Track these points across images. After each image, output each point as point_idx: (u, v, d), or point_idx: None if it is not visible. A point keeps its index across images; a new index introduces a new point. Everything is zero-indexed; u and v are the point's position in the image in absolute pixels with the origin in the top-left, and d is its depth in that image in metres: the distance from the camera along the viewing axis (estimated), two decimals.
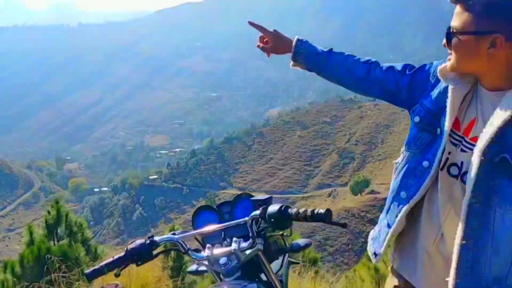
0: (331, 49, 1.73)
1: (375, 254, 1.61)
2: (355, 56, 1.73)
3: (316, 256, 5.76)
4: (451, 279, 1.33)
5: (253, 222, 1.43)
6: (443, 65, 1.44)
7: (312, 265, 3.87)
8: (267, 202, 1.50)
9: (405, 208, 1.48)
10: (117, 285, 3.32)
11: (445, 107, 1.42)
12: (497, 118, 1.27)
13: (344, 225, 1.42)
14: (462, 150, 1.38)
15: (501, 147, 1.27)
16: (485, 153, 1.27)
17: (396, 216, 1.51)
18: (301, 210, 1.36)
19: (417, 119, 1.51)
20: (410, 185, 1.48)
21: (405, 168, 1.52)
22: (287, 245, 1.74)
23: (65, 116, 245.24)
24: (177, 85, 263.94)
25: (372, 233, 1.70)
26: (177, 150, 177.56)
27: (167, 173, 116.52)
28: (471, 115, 1.39)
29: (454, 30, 1.33)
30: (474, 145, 1.33)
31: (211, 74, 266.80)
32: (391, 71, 1.63)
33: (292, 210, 1.37)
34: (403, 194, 1.50)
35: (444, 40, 1.35)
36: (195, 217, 1.68)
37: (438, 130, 1.43)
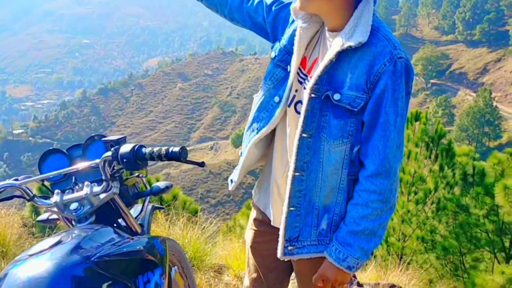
0: None
1: (231, 181, 1.68)
2: None
3: (196, 207, 5.80)
4: (285, 207, 1.43)
5: (106, 164, 1.35)
6: (294, 3, 1.48)
7: (186, 212, 3.88)
8: (120, 142, 1.43)
9: (254, 138, 1.53)
10: None
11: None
12: (326, 58, 1.35)
13: (201, 164, 1.38)
14: (305, 88, 1.44)
15: (330, 83, 1.35)
16: (313, 90, 1.36)
17: (246, 146, 1.57)
18: (155, 149, 1.32)
19: (273, 54, 1.55)
20: (262, 118, 1.54)
21: (260, 101, 1.57)
22: (147, 188, 1.65)
23: None
24: (42, 29, 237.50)
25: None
26: (45, 101, 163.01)
27: (34, 127, 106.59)
28: (315, 54, 1.45)
29: None
30: None
31: (82, 19, 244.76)
32: (260, 5, 1.64)
33: (146, 150, 1.32)
34: (254, 125, 1.56)
35: None
36: (41, 162, 1.55)
37: (289, 67, 1.48)
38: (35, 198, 1.36)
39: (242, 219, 8.00)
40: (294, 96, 1.47)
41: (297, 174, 1.41)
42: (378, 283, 3.28)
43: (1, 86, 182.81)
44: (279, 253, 1.47)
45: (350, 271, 1.41)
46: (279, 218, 1.51)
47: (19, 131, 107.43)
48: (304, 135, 1.38)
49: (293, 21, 1.53)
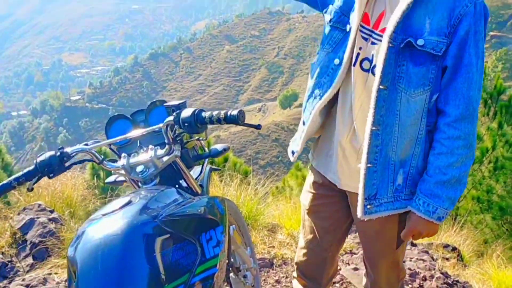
0: None
1: (293, 152, 1.66)
2: None
3: (246, 169, 5.94)
4: (363, 164, 1.41)
5: (168, 128, 1.40)
6: None
7: (238, 173, 4.01)
8: (181, 107, 1.46)
9: (318, 105, 1.51)
10: (39, 205, 3.23)
11: (353, 4, 1.44)
12: (402, 4, 1.32)
13: (258, 127, 1.41)
14: (372, 43, 1.41)
15: (406, 32, 1.32)
16: (392, 39, 1.32)
17: (310, 113, 1.54)
18: (214, 113, 1.34)
19: (327, 17, 1.52)
20: (323, 83, 1.51)
21: (319, 67, 1.54)
22: (206, 150, 1.70)
23: None
24: None
25: (293, 138, 1.74)
26: (99, 68, 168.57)
27: (90, 93, 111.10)
28: (380, 8, 1.41)
29: None
30: (382, 36, 1.37)
31: None
32: None
33: (206, 114, 1.35)
34: (317, 92, 1.53)
35: None
36: (108, 127, 1.62)
37: (348, 27, 1.45)
38: (104, 162, 1.43)
39: (291, 180, 8.09)
40: (359, 54, 1.43)
41: (374, 128, 1.38)
42: (432, 243, 3.28)
43: (57, 54, 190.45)
44: (359, 213, 1.45)
45: (440, 221, 1.41)
46: (346, 180, 1.53)
47: (76, 97, 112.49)
48: (381, 87, 1.35)
49: None
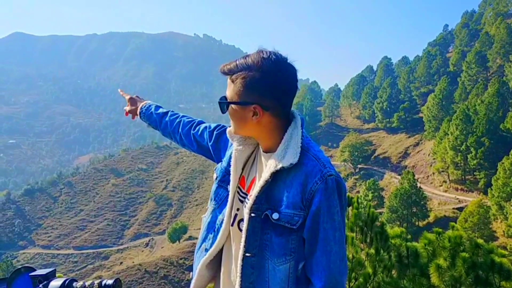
0: (167, 112, 2.00)
1: None
2: (185, 116, 1.95)
3: None
4: None
5: None
6: (230, 127, 1.59)
7: None
8: (49, 276, 1.35)
9: (203, 259, 1.56)
10: None
11: None
12: (262, 177, 1.42)
13: None
14: (246, 207, 1.48)
15: (269, 202, 1.41)
16: (252, 210, 1.40)
17: (196, 268, 1.59)
18: (87, 283, 1.25)
19: (215, 176, 1.64)
20: (209, 238, 1.58)
21: (207, 222, 1.61)
22: None
23: None
24: None
25: None
26: None
27: None
28: (253, 174, 1.53)
29: (226, 100, 1.48)
30: None
31: (8, 118, 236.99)
32: (205, 130, 1.79)
33: (78, 284, 1.26)
34: (203, 246, 1.59)
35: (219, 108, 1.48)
36: None
37: (229, 187, 1.55)
38: None
39: None
40: (236, 214, 1.51)
41: None
42: None
43: None
44: None
45: None
46: None
47: None
48: (247, 254, 1.39)
49: (230, 143, 1.62)
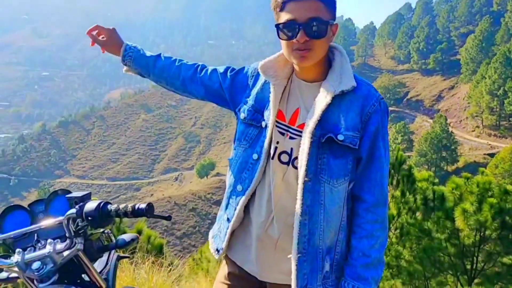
0: (159, 54, 1.82)
1: (217, 251, 1.67)
2: (182, 60, 1.81)
3: (161, 242, 5.67)
4: (293, 254, 1.46)
5: (70, 222, 1.32)
6: (262, 62, 1.60)
7: (152, 253, 3.77)
8: (84, 198, 1.39)
9: (242, 200, 1.57)
10: None
11: (265, 102, 1.57)
12: (320, 103, 1.46)
13: (168, 218, 1.39)
14: (290, 138, 1.52)
15: (324, 127, 1.45)
16: (313, 135, 1.44)
17: (235, 209, 1.59)
18: (121, 206, 1.29)
19: (242, 115, 1.62)
20: (245, 178, 1.58)
21: (238, 163, 1.61)
22: (112, 240, 1.59)
23: None
24: (0, 62, 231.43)
25: (212, 232, 1.76)
26: (2, 136, 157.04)
27: None
28: (294, 106, 1.54)
29: (323, 19, 1.43)
30: (301, 132, 1.49)
31: (41, 51, 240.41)
32: (215, 73, 1.72)
33: (112, 207, 1.29)
34: (239, 187, 1.59)
35: (302, 34, 1.42)
36: (2, 219, 1.48)
37: (263, 123, 1.55)
38: None
39: (208, 252, 7.86)
40: (276, 148, 1.52)
41: (301, 218, 1.45)
42: None
43: None
44: None
45: None
46: (266, 271, 1.56)
47: None
48: (306, 178, 1.44)
49: (254, 82, 1.64)
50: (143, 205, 1.30)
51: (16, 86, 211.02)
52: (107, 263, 1.64)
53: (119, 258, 1.79)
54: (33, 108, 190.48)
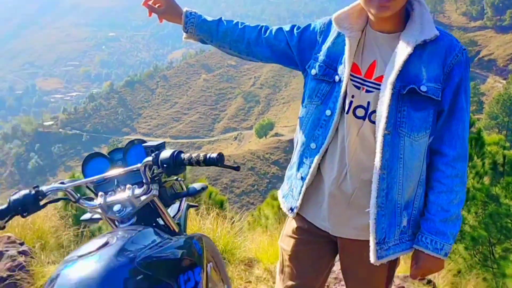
0: (220, 18, 1.75)
1: (291, 209, 1.65)
2: (244, 23, 1.76)
3: (222, 198, 5.90)
4: (372, 209, 1.45)
5: (146, 168, 1.41)
6: (337, 14, 1.55)
7: (216, 206, 3.97)
8: (159, 147, 1.49)
9: (316, 158, 1.54)
10: (9, 237, 3.11)
11: (338, 56, 1.53)
12: (400, 54, 1.41)
13: (237, 168, 1.42)
14: (367, 91, 1.47)
15: (403, 79, 1.41)
16: (394, 86, 1.41)
17: (309, 168, 1.57)
18: (193, 155, 1.36)
19: (313, 72, 1.58)
20: (318, 136, 1.55)
21: (310, 120, 1.58)
22: (184, 189, 1.70)
23: None
24: (69, 23, 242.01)
25: (281, 192, 1.76)
26: (74, 94, 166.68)
27: (63, 118, 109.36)
28: (370, 58, 1.49)
29: None
30: (379, 85, 1.45)
31: (108, 12, 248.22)
32: (280, 32, 1.68)
33: (185, 155, 1.36)
34: (312, 145, 1.56)
35: None
36: (85, 165, 1.61)
37: (336, 77, 1.52)
38: (81, 200, 1.44)
39: (267, 210, 8.07)
40: (351, 102, 1.49)
41: (380, 173, 1.43)
42: (407, 276, 3.29)
43: (31, 79, 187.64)
44: (372, 259, 1.47)
45: (446, 257, 1.47)
46: (338, 226, 1.56)
47: (50, 123, 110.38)
48: (386, 132, 1.41)
49: (324, 38, 1.59)
50: (214, 155, 1.35)
51: (86, 46, 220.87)
52: (178, 210, 1.75)
53: (189, 206, 1.89)
54: (101, 67, 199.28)
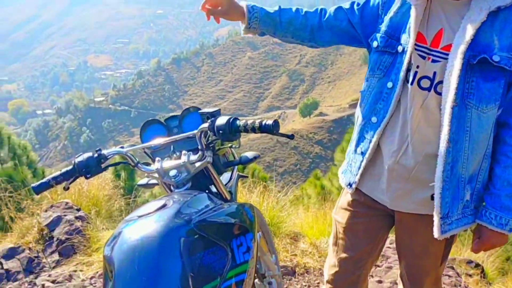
0: (279, 7, 1.69)
1: (350, 185, 1.64)
2: (303, 9, 1.71)
3: (265, 176, 5.96)
4: (437, 182, 1.41)
5: (202, 135, 1.43)
6: None
7: (261, 181, 4.03)
8: (215, 114, 1.50)
9: (377, 132, 1.52)
10: (67, 203, 3.30)
11: (401, 27, 1.49)
12: (472, 21, 1.35)
13: (291, 136, 1.40)
14: (433, 61, 1.42)
15: (473, 49, 1.35)
16: (464, 56, 1.35)
17: (370, 142, 1.54)
18: (249, 122, 1.37)
19: (375, 44, 1.55)
20: (379, 109, 1.52)
21: (372, 94, 1.55)
22: (236, 158, 1.74)
23: None
24: (119, 0, 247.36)
25: (340, 169, 1.74)
26: (123, 71, 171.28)
27: (113, 95, 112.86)
28: (436, 27, 1.44)
29: None
30: (446, 54, 1.39)
31: None
32: (340, 11, 1.65)
33: (240, 122, 1.38)
34: (373, 119, 1.53)
35: None
36: (143, 131, 1.66)
37: (399, 48, 1.48)
38: (139, 165, 1.48)
39: (309, 189, 8.06)
40: (416, 72, 1.44)
41: (447, 146, 1.39)
42: (455, 259, 3.23)
43: (83, 56, 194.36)
44: (436, 233, 1.44)
45: (511, 232, 1.43)
46: (398, 200, 1.53)
47: (100, 98, 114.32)
48: (454, 104, 1.36)
49: (386, 10, 1.56)
50: (270, 121, 1.35)
51: (134, 23, 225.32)
52: (230, 179, 1.77)
53: (239, 177, 1.91)
54: (149, 45, 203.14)
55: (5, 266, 2.82)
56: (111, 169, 5.79)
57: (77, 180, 1.45)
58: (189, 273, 1.05)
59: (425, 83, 1.43)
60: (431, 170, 1.42)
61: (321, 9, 1.70)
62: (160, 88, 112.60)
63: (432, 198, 1.43)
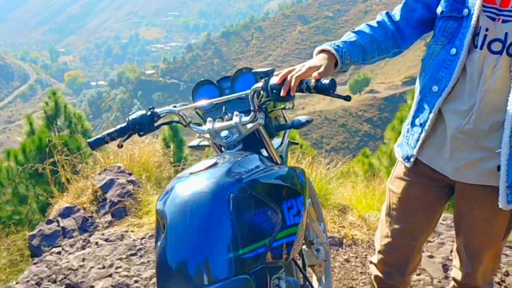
0: (357, 31, 1.56)
1: (407, 158, 1.56)
2: (373, 21, 1.59)
3: (312, 151, 5.88)
4: (504, 151, 1.35)
5: (255, 95, 1.40)
6: None
7: (310, 152, 3.98)
8: (269, 74, 1.48)
9: (438, 102, 1.45)
10: (119, 167, 3.40)
11: None
12: None
13: (347, 98, 1.31)
14: (504, 21, 1.34)
15: None
16: None
17: (430, 112, 1.47)
18: (304, 80, 1.32)
19: (439, 9, 1.47)
20: (441, 78, 1.44)
21: (434, 62, 1.48)
22: (288, 121, 1.70)
23: (55, 6, 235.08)
24: None
25: (397, 143, 1.67)
26: (173, 44, 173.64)
27: (163, 68, 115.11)
28: None
29: None
30: None
31: None
32: (409, 2, 1.56)
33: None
34: (434, 88, 1.46)
35: None
36: (195, 92, 1.65)
37: (465, 11, 1.40)
38: (191, 124, 1.48)
39: (357, 167, 7.91)
40: (486, 36, 1.36)
41: None
42: None
43: (135, 29, 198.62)
44: (502, 203, 1.36)
45: None
46: (462, 170, 1.45)
47: (151, 71, 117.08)
48: None
49: None
50: (326, 80, 1.28)
51: None
52: (281, 143, 1.76)
53: (290, 143, 1.89)
54: (199, 18, 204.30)
55: (61, 224, 2.97)
56: (160, 139, 5.91)
57: (129, 143, 1.47)
58: (239, 231, 1.05)
59: (497, 46, 1.35)
60: (498, 138, 1.35)
61: (386, 13, 1.61)
62: (209, 62, 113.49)
63: (499, 169, 1.36)
